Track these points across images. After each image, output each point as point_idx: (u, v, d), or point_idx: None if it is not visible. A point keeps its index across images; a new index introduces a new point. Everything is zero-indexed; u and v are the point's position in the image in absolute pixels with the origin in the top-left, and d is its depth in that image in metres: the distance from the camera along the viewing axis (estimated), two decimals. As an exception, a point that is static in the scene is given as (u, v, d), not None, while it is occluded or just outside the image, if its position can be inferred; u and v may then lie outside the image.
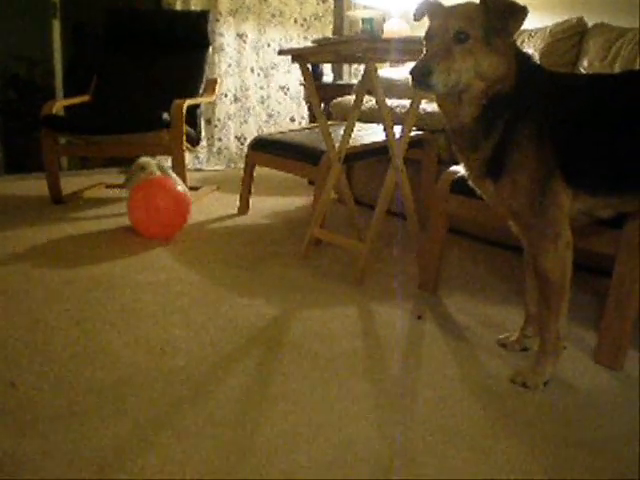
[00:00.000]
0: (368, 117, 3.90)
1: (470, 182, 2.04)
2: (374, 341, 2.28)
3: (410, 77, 1.79)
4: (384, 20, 2.84)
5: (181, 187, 3.64)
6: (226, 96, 6.23)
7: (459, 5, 1.86)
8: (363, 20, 2.78)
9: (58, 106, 4.69)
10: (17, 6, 6.32)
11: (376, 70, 2.78)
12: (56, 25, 5.83)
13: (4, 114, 6.34)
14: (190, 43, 5.21)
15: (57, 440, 1.63)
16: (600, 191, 1.88)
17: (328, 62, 5.18)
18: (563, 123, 1.85)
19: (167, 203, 3.54)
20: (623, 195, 1.89)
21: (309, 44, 6.24)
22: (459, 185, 2.42)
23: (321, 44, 2.90)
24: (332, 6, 6.52)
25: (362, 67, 5.52)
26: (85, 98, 5.00)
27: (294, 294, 2.73)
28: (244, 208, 4.22)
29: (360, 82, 4.39)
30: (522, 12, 1.79)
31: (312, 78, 3.28)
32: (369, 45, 2.64)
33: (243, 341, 2.25)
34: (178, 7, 5.87)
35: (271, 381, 1.97)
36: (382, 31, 2.84)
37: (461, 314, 2.53)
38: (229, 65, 6.22)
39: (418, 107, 2.88)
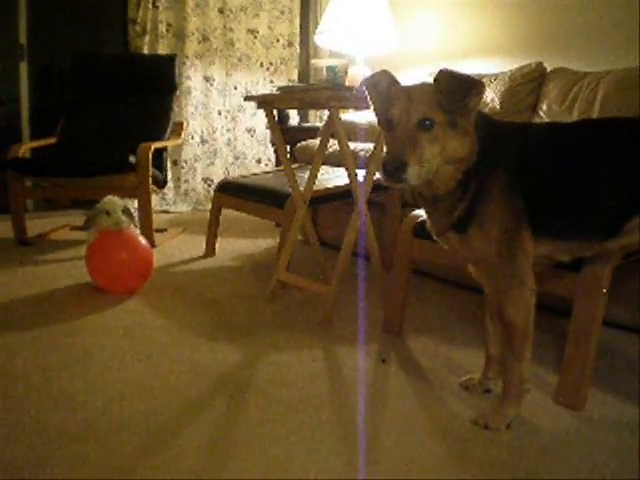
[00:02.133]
0: (333, 160, 3.95)
1: (433, 235, 2.07)
2: (339, 385, 2.29)
3: (382, 172, 1.73)
4: (348, 68, 2.90)
5: (143, 241, 3.47)
6: (193, 138, 6.27)
7: (416, 88, 1.85)
8: (327, 68, 2.85)
9: (25, 149, 4.69)
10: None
11: (339, 116, 2.83)
12: (23, 67, 5.84)
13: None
14: (157, 86, 5.26)
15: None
16: (560, 236, 1.93)
17: (293, 108, 5.25)
18: (526, 173, 1.89)
19: (128, 261, 3.35)
20: (581, 240, 1.94)
21: (275, 88, 6.34)
22: (422, 229, 2.46)
23: (285, 91, 2.96)
24: (298, 51, 6.63)
25: (327, 111, 5.61)
26: (52, 140, 5.01)
27: (259, 338, 2.74)
28: (210, 251, 4.23)
29: (324, 127, 4.47)
30: (477, 88, 1.78)
31: (277, 123, 3.33)
32: (332, 93, 2.70)
33: (207, 386, 2.26)
34: (145, 51, 5.92)
35: (235, 427, 1.97)
36: (345, 79, 2.90)
37: (425, 356, 2.56)
38: (196, 107, 6.27)
39: (381, 151, 2.94)
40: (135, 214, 3.64)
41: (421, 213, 2.39)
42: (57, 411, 2.04)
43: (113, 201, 3.48)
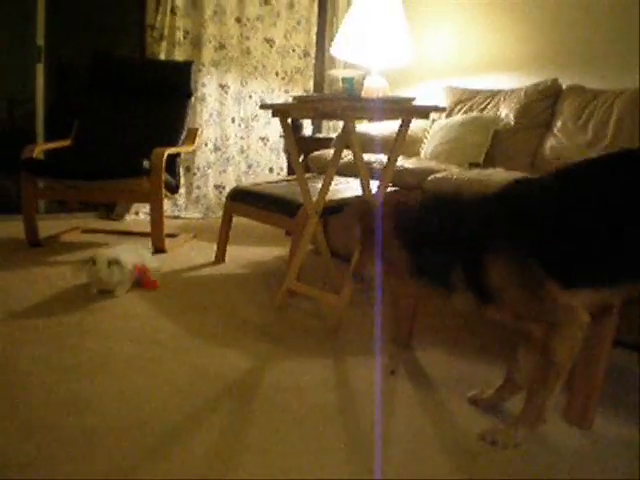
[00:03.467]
0: (346, 171, 3.96)
1: None
2: (346, 395, 2.29)
3: None
4: (364, 79, 2.91)
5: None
6: (206, 145, 6.29)
7: None
8: (343, 79, 2.85)
9: (39, 150, 4.71)
10: (1, 47, 6.38)
11: (354, 127, 2.84)
12: (40, 68, 5.88)
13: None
14: (173, 92, 5.28)
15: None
16: (601, 285, 1.86)
17: (308, 118, 5.27)
18: (539, 233, 1.84)
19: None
20: (626, 284, 1.86)
21: (290, 98, 6.35)
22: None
23: (301, 101, 2.97)
24: (313, 61, 6.65)
25: (341, 122, 5.62)
26: (66, 142, 5.04)
27: (268, 345, 2.74)
28: (221, 257, 4.24)
29: (339, 137, 4.48)
30: None
31: (292, 132, 3.34)
32: (348, 104, 2.71)
33: (215, 392, 2.26)
34: (162, 57, 5.95)
35: (242, 434, 1.97)
36: (361, 90, 2.91)
37: (434, 369, 2.55)
38: (210, 115, 6.29)
39: (395, 163, 2.94)
40: (146, 217, 3.61)
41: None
42: (66, 412, 2.05)
43: (101, 253, 3.34)
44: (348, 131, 2.78)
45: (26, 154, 4.53)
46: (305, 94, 6.08)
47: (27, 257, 4.20)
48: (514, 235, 1.84)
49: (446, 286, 1.93)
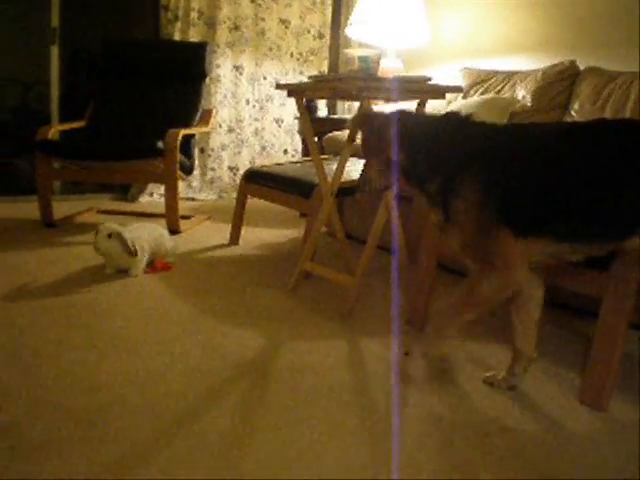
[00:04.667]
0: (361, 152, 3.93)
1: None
2: (360, 376, 2.29)
3: None
4: (380, 58, 2.88)
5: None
6: (221, 126, 6.28)
7: None
8: (359, 58, 2.83)
9: (53, 131, 4.71)
10: (16, 30, 6.38)
11: (370, 107, 2.82)
12: (54, 51, 5.87)
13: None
14: (187, 73, 5.27)
15: (42, 466, 1.63)
16: (564, 238, 1.91)
17: (323, 98, 5.24)
18: (507, 178, 1.90)
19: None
20: (591, 242, 1.91)
21: (305, 78, 6.33)
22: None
23: (317, 80, 2.94)
24: (328, 42, 6.61)
25: (356, 102, 5.59)
26: (81, 124, 5.04)
27: (282, 326, 2.74)
28: (235, 238, 4.23)
29: (354, 118, 4.44)
30: None
31: (308, 113, 3.32)
32: (364, 84, 2.68)
33: (229, 372, 2.26)
34: (176, 37, 5.93)
35: (256, 413, 1.97)
36: (377, 70, 2.88)
37: (449, 350, 2.54)
38: (225, 96, 6.27)
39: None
40: (161, 198, 3.60)
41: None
42: (81, 392, 2.06)
43: (106, 226, 3.33)
44: (364, 110, 2.75)
45: (41, 135, 4.54)
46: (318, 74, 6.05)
47: (42, 237, 4.21)
48: (484, 172, 1.93)
49: (427, 195, 2.07)
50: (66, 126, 5.01)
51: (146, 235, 3.46)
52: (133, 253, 3.31)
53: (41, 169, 4.51)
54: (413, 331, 2.75)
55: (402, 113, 2.15)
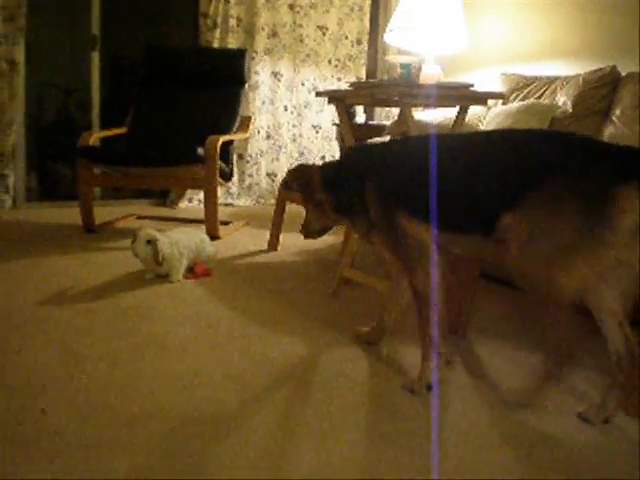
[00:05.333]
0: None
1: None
2: (395, 385, 2.27)
3: None
4: (421, 65, 2.88)
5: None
6: (259, 133, 6.31)
7: None
8: (401, 65, 2.83)
9: (95, 137, 4.78)
10: (58, 36, 6.47)
11: (411, 114, 2.82)
12: (95, 57, 5.96)
13: (38, 142, 6.45)
14: (226, 80, 5.31)
15: (85, 469, 1.65)
16: (444, 229, 2.16)
17: (364, 104, 5.24)
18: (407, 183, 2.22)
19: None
20: (465, 235, 2.17)
21: (342, 85, 6.34)
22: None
23: (358, 87, 2.95)
24: (366, 49, 6.62)
25: (394, 109, 5.58)
26: (122, 130, 5.11)
27: (323, 333, 2.74)
28: (274, 244, 4.25)
29: (394, 124, 4.44)
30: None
31: (348, 119, 3.33)
32: (405, 90, 2.68)
33: (270, 378, 2.26)
34: (215, 44, 5.98)
35: (297, 420, 1.97)
36: (418, 76, 2.88)
37: (490, 359, 2.52)
38: (263, 103, 6.31)
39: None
40: (199, 204, 3.62)
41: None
42: (123, 395, 2.07)
43: (144, 232, 3.37)
44: (405, 118, 2.75)
45: (83, 141, 4.60)
46: (361, 81, 6.04)
47: (84, 243, 4.27)
48: (381, 180, 2.27)
49: (351, 214, 2.40)
50: (107, 133, 5.08)
51: (186, 240, 3.49)
52: (159, 263, 3.33)
53: (82, 175, 4.58)
54: (455, 339, 2.73)
55: (324, 163, 2.64)
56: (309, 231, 2.62)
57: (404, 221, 2.21)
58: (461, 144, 2.24)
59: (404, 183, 2.22)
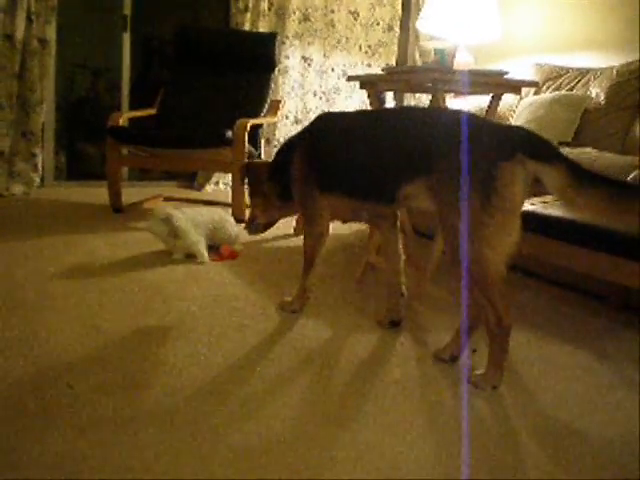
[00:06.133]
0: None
1: None
2: (427, 370, 2.26)
3: None
4: (455, 52, 2.85)
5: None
6: (287, 118, 6.29)
7: None
8: (436, 51, 2.80)
9: (124, 118, 4.79)
10: (87, 17, 6.47)
11: (444, 100, 2.79)
12: (126, 38, 5.96)
13: (67, 121, 6.48)
14: (256, 64, 5.30)
15: (114, 443, 1.65)
16: (359, 199, 2.47)
17: (397, 90, 5.20)
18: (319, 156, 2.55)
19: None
20: (372, 203, 2.46)
21: (373, 71, 6.29)
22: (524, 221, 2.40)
23: (391, 72, 2.92)
24: (397, 35, 6.57)
25: (425, 96, 5.54)
26: (151, 111, 5.12)
27: (347, 317, 2.74)
28: (300, 229, 4.23)
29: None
30: None
31: (379, 105, 3.30)
32: (440, 76, 2.66)
33: (294, 361, 2.26)
34: (246, 28, 5.96)
35: (321, 404, 1.97)
36: (452, 63, 2.85)
37: (519, 350, 2.49)
38: (292, 87, 6.29)
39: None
40: (226, 188, 3.63)
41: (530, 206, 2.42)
42: (149, 373, 2.08)
43: (159, 210, 3.52)
44: (437, 104, 2.73)
45: (112, 121, 4.62)
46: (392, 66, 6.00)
47: (111, 222, 4.29)
48: (301, 153, 2.61)
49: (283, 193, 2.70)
50: (137, 113, 5.10)
51: (201, 217, 3.51)
52: (177, 237, 3.39)
53: (111, 155, 4.60)
54: (480, 328, 2.70)
55: (272, 160, 2.85)
56: (255, 226, 2.86)
57: (314, 191, 2.54)
58: (372, 121, 2.51)
59: (319, 159, 2.53)
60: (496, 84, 2.84)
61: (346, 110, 6.36)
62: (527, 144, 2.01)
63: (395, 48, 6.53)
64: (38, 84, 5.29)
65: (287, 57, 6.17)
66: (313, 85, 6.40)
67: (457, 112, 2.45)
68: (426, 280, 2.99)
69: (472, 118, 2.17)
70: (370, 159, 2.35)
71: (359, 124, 2.50)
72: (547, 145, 2.05)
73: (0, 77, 5.15)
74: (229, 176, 4.56)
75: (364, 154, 2.38)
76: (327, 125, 2.62)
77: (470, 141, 2.03)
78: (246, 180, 2.87)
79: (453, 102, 4.55)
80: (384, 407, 1.97)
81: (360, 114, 2.68)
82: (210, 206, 4.76)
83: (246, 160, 3.79)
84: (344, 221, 2.93)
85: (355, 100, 6.51)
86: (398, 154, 2.25)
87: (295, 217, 4.22)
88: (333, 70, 6.45)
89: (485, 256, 2.02)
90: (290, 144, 2.71)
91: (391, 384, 2.12)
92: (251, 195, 2.85)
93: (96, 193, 5.08)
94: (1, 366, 2.07)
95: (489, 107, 2.80)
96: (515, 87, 2.93)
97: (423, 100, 5.96)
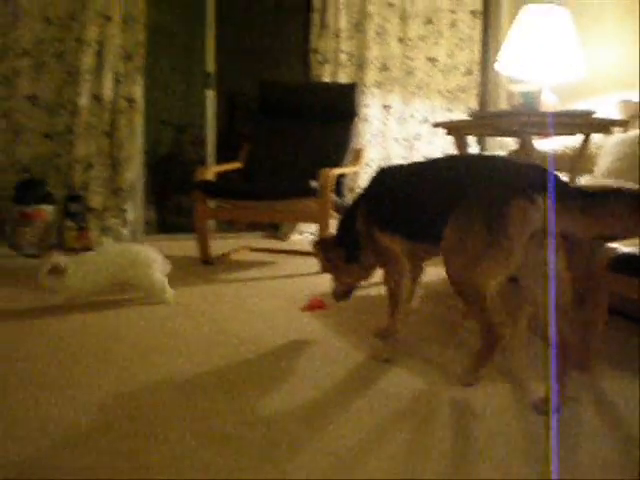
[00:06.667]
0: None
1: None
2: (527, 422, 2.19)
3: None
4: (541, 93, 2.82)
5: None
6: (369, 165, 6.33)
7: None
8: (521, 94, 2.78)
9: (212, 172, 4.91)
10: (173, 74, 6.70)
11: (532, 143, 2.76)
12: (210, 94, 6.14)
13: (155, 176, 6.67)
14: (338, 113, 5.38)
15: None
16: (415, 240, 2.65)
17: (483, 135, 5.19)
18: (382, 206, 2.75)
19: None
20: (425, 243, 2.62)
21: (452, 115, 6.29)
22: (620, 263, 2.34)
23: (477, 117, 2.92)
24: (476, 79, 6.56)
25: (508, 139, 5.49)
26: (237, 165, 5.23)
27: (439, 367, 2.69)
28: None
29: (514, 154, 4.37)
30: None
31: (466, 150, 3.29)
32: (528, 119, 2.64)
33: (389, 412, 2.22)
34: (326, 79, 6.06)
35: (422, 459, 1.91)
36: (539, 105, 2.82)
37: (620, 397, 2.41)
38: (373, 135, 6.33)
39: (575, 180, 2.83)
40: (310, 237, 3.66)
41: (617, 245, 2.32)
42: (242, 423, 2.08)
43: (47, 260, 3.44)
44: (527, 147, 2.70)
45: (200, 175, 4.74)
46: (472, 111, 5.99)
47: (202, 274, 4.37)
48: (364, 206, 2.83)
49: (359, 254, 2.90)
50: (224, 167, 5.21)
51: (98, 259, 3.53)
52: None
53: (199, 208, 4.70)
54: (579, 375, 2.62)
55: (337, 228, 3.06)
56: (337, 294, 3.07)
57: (378, 234, 2.72)
58: (417, 172, 2.68)
59: (378, 206, 2.74)
60: (586, 124, 2.79)
61: (428, 157, 6.38)
62: (539, 182, 2.15)
63: (475, 92, 6.54)
64: (127, 142, 5.50)
65: (367, 106, 6.23)
66: (394, 132, 6.43)
67: (487, 157, 2.64)
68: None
69: (492, 160, 2.42)
70: (419, 204, 2.54)
71: (408, 174, 2.71)
72: (558, 181, 2.17)
73: (91, 136, 5.37)
74: (313, 226, 4.58)
75: (414, 200, 2.57)
76: (382, 178, 2.82)
77: (484, 181, 2.27)
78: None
79: (539, 143, 4.50)
80: (491, 462, 1.90)
81: (410, 165, 2.85)
82: (296, 255, 4.80)
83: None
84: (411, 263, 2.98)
85: (436, 145, 6.50)
86: (438, 198, 2.43)
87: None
88: (413, 117, 6.47)
89: (475, 279, 2.26)
90: (351, 206, 2.94)
91: (493, 438, 2.06)
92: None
93: (185, 246, 5.19)
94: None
95: (582, 147, 2.76)
96: (605, 126, 2.87)
97: (506, 143, 5.91)
